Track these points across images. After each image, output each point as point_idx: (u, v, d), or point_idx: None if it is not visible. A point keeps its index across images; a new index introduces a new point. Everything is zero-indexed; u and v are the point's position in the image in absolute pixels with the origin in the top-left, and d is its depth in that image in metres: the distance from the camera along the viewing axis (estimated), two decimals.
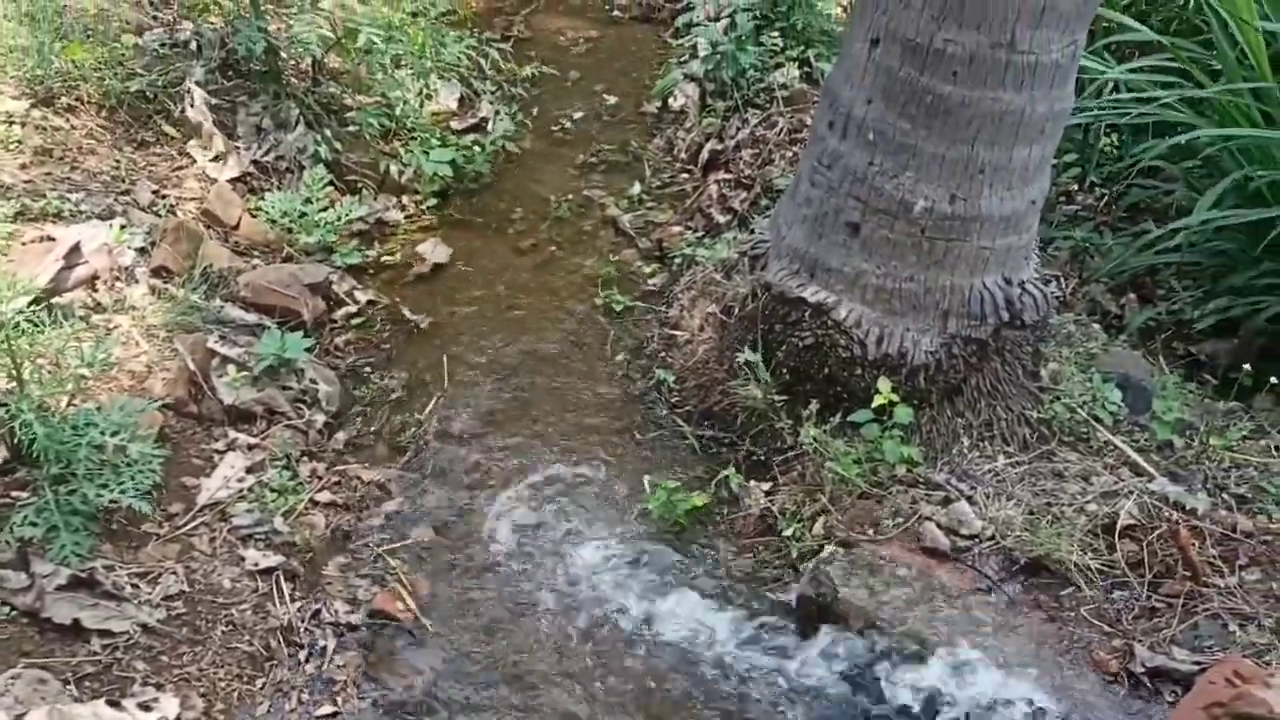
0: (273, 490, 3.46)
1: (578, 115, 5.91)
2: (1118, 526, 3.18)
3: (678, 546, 3.46)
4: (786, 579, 3.30)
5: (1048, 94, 3.16)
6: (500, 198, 5.26)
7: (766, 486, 3.55)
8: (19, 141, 4.25)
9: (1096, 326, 4.02)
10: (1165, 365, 3.99)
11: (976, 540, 3.20)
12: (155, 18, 5.24)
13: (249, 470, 3.51)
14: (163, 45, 5.01)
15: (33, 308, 3.38)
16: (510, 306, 4.51)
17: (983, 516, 3.25)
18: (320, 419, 3.82)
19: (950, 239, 3.31)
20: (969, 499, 3.31)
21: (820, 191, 3.48)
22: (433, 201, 5.13)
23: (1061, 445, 3.51)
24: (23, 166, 4.16)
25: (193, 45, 5.05)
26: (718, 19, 5.80)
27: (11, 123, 4.31)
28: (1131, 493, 3.27)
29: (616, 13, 7.11)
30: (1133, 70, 4.72)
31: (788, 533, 3.33)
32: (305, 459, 3.66)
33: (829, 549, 3.21)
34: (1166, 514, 3.19)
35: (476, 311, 4.49)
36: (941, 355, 3.43)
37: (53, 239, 3.81)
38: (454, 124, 5.68)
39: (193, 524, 3.27)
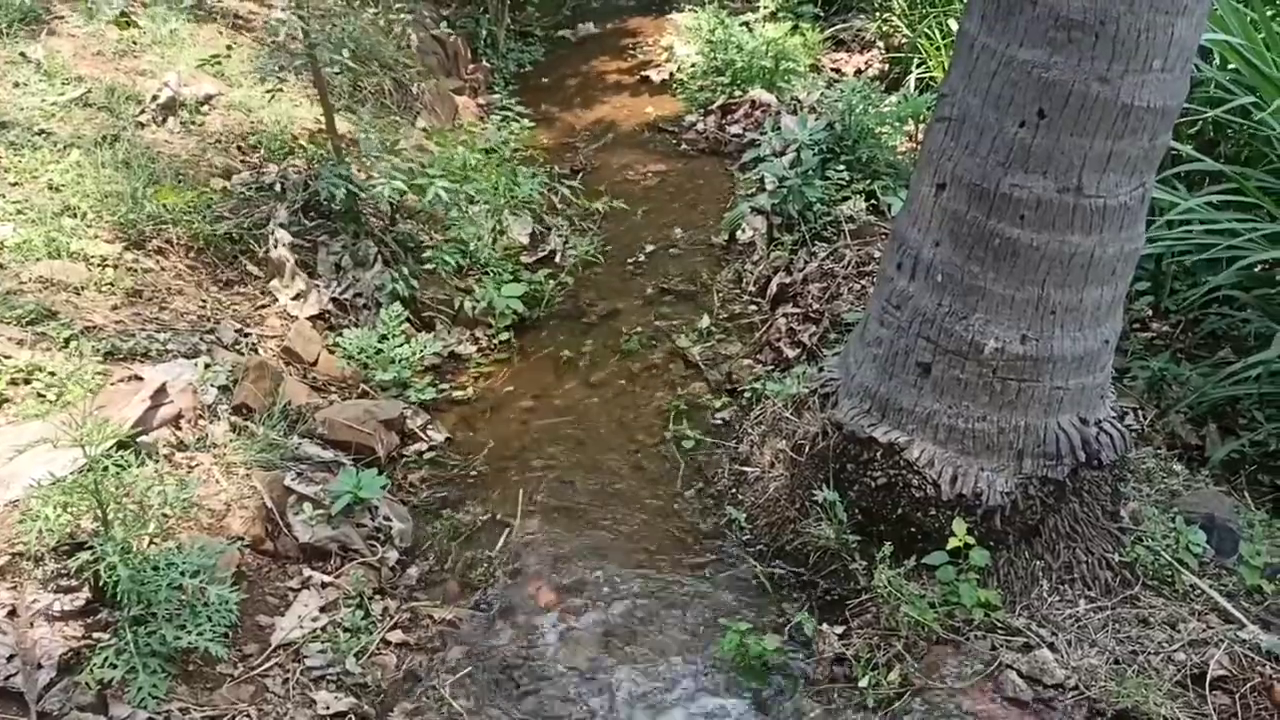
0: (345, 629, 3.47)
1: (648, 248, 6.01)
2: (1208, 677, 3.07)
3: (751, 692, 3.39)
4: None
5: (1117, 236, 3.16)
6: (571, 330, 5.34)
7: (840, 630, 3.48)
8: (111, 284, 4.41)
9: (1178, 465, 3.93)
10: (1251, 501, 3.88)
11: (1060, 690, 3.10)
12: (243, 162, 5.47)
13: (322, 609, 3.54)
14: (249, 188, 5.22)
15: (119, 450, 3.47)
16: (580, 442, 4.54)
17: (1065, 665, 3.15)
18: (393, 556, 3.87)
19: (1023, 379, 3.28)
20: (1050, 646, 3.22)
21: (890, 332, 3.48)
22: (505, 335, 5.22)
23: (1145, 589, 3.41)
24: (114, 308, 4.31)
25: (277, 188, 5.25)
26: (784, 153, 5.90)
27: (105, 265, 4.48)
28: (1221, 641, 3.17)
29: (684, 147, 7.28)
30: (1205, 204, 4.69)
31: (863, 682, 3.24)
32: (378, 597, 3.69)
33: (906, 698, 3.13)
34: (1259, 665, 3.07)
35: (546, 446, 4.52)
36: (1017, 496, 3.37)
37: (140, 378, 3.93)
38: (525, 258, 5.82)
39: (266, 664, 3.29)
